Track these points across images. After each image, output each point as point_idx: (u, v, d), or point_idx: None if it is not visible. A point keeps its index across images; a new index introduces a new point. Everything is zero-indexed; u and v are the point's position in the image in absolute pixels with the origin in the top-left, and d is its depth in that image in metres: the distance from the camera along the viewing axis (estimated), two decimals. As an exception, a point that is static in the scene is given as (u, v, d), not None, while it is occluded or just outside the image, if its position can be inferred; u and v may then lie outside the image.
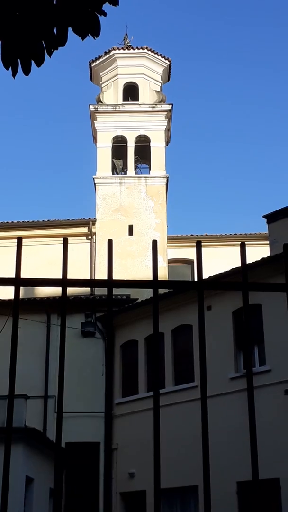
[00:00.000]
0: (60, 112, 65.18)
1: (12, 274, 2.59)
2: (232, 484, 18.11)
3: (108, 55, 31.78)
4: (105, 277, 2.58)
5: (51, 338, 22.93)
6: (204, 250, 25.21)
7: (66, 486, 21.70)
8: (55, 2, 3.84)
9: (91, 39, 4.06)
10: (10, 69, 3.96)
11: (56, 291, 22.67)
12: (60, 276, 2.53)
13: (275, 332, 18.52)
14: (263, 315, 18.70)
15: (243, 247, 2.51)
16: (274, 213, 20.65)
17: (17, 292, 2.50)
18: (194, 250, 26.39)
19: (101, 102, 31.00)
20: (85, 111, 33.53)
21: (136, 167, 30.76)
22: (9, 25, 3.80)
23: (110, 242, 2.52)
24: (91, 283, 2.68)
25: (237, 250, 25.96)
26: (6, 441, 2.46)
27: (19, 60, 3.93)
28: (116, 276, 19.20)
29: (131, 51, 31.77)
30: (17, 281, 2.49)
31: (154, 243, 2.56)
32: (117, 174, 30.70)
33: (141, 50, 31.69)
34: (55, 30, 3.91)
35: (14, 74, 3.98)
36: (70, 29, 3.94)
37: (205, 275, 17.17)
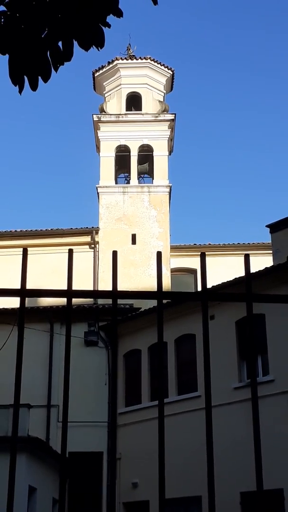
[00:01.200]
0: (63, 122, 65.39)
1: (15, 283, 2.61)
2: (236, 495, 18.03)
3: (111, 65, 31.91)
4: (109, 287, 2.60)
5: (54, 347, 22.91)
6: (207, 259, 25.07)
7: (69, 496, 21.62)
8: (59, 16, 3.87)
9: (95, 50, 4.09)
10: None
11: (59, 300, 22.66)
12: (63, 285, 2.55)
13: (278, 342, 18.48)
14: (267, 325, 18.67)
15: (247, 259, 2.53)
16: (277, 222, 20.65)
17: (22, 304, 2.51)
18: (197, 259, 26.42)
19: (104, 112, 31.11)
20: (89, 121, 33.72)
21: (139, 177, 30.83)
22: (15, 39, 3.83)
23: (115, 254, 2.53)
24: (96, 294, 2.69)
25: (240, 259, 25.97)
26: (11, 451, 2.47)
27: (25, 77, 3.96)
28: (119, 285, 19.18)
29: (134, 61, 31.90)
30: (22, 292, 2.51)
31: (159, 254, 2.57)
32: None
33: (144, 60, 31.82)
34: (60, 44, 3.93)
35: (20, 91, 4.01)
36: (75, 43, 3.96)
37: (209, 285, 17.15)
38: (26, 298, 2.51)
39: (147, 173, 31.28)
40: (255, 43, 61.89)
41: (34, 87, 3.99)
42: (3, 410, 17.63)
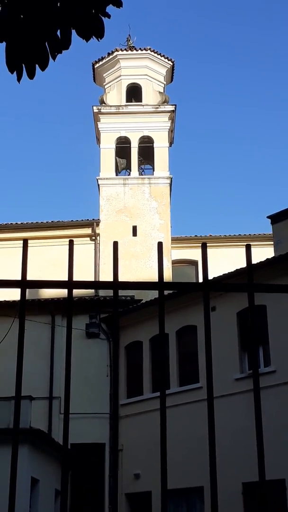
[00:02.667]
0: (63, 113, 65.26)
1: (17, 275, 2.60)
2: (238, 485, 18.09)
3: (111, 56, 31.80)
4: (110, 278, 2.59)
5: (55, 339, 22.95)
6: (208, 251, 25.06)
7: (71, 487, 21.70)
8: (58, 5, 3.85)
9: (94, 40, 4.06)
10: (14, 73, 3.97)
11: (60, 292, 22.69)
12: (64, 277, 2.53)
13: (280, 332, 18.50)
14: (268, 315, 18.68)
15: (248, 249, 2.51)
16: (278, 213, 20.64)
17: (23, 295, 2.50)
18: (198, 250, 26.41)
19: (105, 103, 31.03)
20: (89, 112, 33.62)
21: (140, 168, 30.78)
22: (13, 28, 3.81)
23: (115, 244, 2.52)
24: (97, 285, 2.68)
25: (241, 250, 25.94)
26: (13, 443, 2.47)
27: (23, 65, 3.94)
28: (120, 277, 19.20)
29: (134, 52, 31.79)
30: (23, 284, 2.50)
31: (160, 245, 2.56)
32: (119, 173, 30.69)
33: (144, 51, 31.72)
34: (58, 33, 3.91)
35: (19, 79, 3.99)
36: (73, 31, 3.94)
37: (210, 276, 17.13)
38: (27, 291, 2.50)
39: (147, 164, 31.17)
40: (256, 34, 61.70)
41: (31, 75, 3.97)
42: (5, 402, 17.67)
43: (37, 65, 3.96)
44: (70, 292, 2.54)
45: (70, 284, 2.51)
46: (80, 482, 21.91)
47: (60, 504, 2.55)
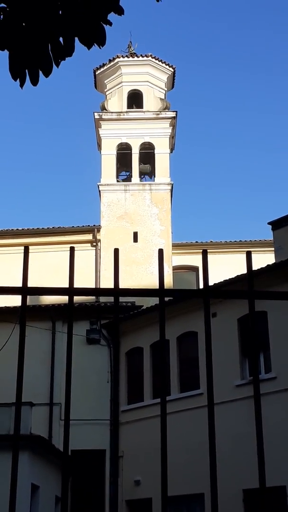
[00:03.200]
0: (65, 120, 65.38)
1: (17, 281, 2.61)
2: (239, 492, 18.04)
3: (112, 63, 31.89)
4: (111, 284, 2.59)
5: (56, 345, 22.93)
6: (209, 257, 25.03)
7: (72, 494, 21.65)
8: (60, 13, 3.87)
9: (96, 48, 4.08)
10: (18, 79, 3.98)
11: (61, 298, 22.68)
12: (65, 284, 2.54)
13: (280, 339, 18.48)
14: (269, 322, 18.66)
15: (249, 256, 2.52)
16: (279, 219, 20.64)
17: (24, 301, 2.51)
18: (199, 257, 26.39)
19: (106, 110, 31.10)
20: (90, 119, 33.66)
21: (141, 175, 30.82)
22: (17, 36, 3.83)
23: (116, 251, 2.53)
24: (98, 291, 2.69)
25: (242, 256, 25.94)
26: (13, 449, 2.47)
27: (26, 71, 3.96)
28: (121, 283, 19.19)
29: (135, 58, 31.87)
30: (24, 290, 2.50)
31: (160, 252, 2.57)
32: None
33: (145, 58, 31.80)
34: (61, 40, 3.93)
35: (22, 85, 4.00)
36: (76, 39, 3.96)
37: (210, 282, 17.16)
38: (28, 297, 2.51)
39: (147, 174, 31.24)
40: (257, 40, 61.85)
41: (34, 81, 3.98)
42: (6, 408, 17.65)
43: (40, 72, 3.98)
44: (70, 299, 2.55)
45: (70, 291, 2.51)
46: (80, 489, 21.86)
47: (61, 511, 2.55)
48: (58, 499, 19.87)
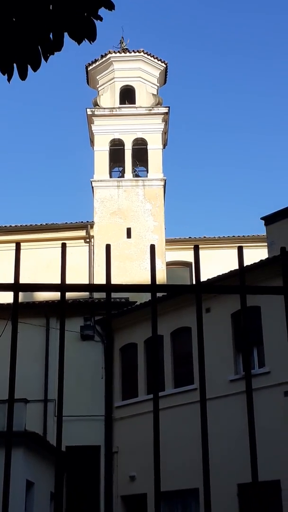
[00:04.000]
0: (57, 116, 65.27)
1: (10, 278, 2.61)
2: (233, 487, 18.10)
3: (104, 59, 31.82)
4: (104, 280, 2.59)
5: (50, 341, 22.92)
6: (202, 253, 25.18)
7: (66, 490, 21.67)
8: (51, 7, 3.85)
9: (87, 43, 4.07)
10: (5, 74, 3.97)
11: (55, 295, 22.63)
12: (59, 280, 2.54)
13: (274, 334, 18.51)
14: (262, 317, 18.71)
15: (240, 251, 2.52)
16: (272, 215, 20.67)
17: (16, 298, 2.51)
18: (192, 252, 26.34)
19: (98, 106, 31.04)
20: (82, 115, 33.60)
21: (134, 170, 30.80)
22: (5, 30, 3.81)
23: (108, 247, 2.53)
24: (90, 287, 2.69)
25: (235, 252, 25.90)
26: (6, 446, 2.47)
27: (15, 65, 3.94)
28: (114, 279, 19.17)
29: (127, 54, 31.81)
30: (16, 287, 2.50)
31: (152, 247, 2.57)
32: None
33: (137, 54, 31.75)
34: (51, 35, 3.92)
35: (9, 79, 3.99)
36: (66, 34, 3.94)
37: (203, 278, 17.18)
38: (22, 294, 2.51)
39: (142, 166, 31.20)
40: (250, 36, 61.83)
41: (23, 76, 3.96)
42: (0, 405, 17.63)
43: (29, 66, 3.96)
44: (63, 295, 2.55)
45: (62, 287, 2.51)
46: (75, 485, 21.88)
47: (54, 507, 2.55)
48: (53, 495, 19.88)
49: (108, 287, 2.49)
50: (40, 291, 2.61)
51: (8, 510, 2.50)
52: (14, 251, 2.57)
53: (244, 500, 18.07)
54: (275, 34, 61.44)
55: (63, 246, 2.54)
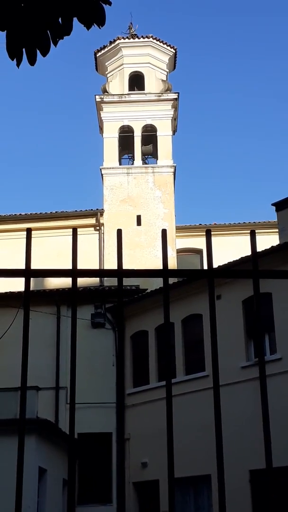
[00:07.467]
0: (66, 103, 65.12)
1: (21, 266, 2.60)
2: (245, 473, 18.14)
3: (113, 45, 31.66)
4: (114, 268, 2.57)
5: (61, 329, 22.99)
6: (213, 239, 24.94)
7: (79, 477, 21.80)
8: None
9: (96, 29, 4.03)
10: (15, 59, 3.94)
11: (65, 282, 22.70)
12: (69, 267, 2.52)
13: (285, 320, 18.48)
14: (273, 303, 18.66)
15: (253, 235, 2.49)
16: (283, 201, 20.57)
17: (27, 283, 2.49)
18: (203, 239, 26.34)
19: (107, 92, 30.91)
20: (91, 102, 33.46)
21: (143, 157, 30.69)
22: (14, 15, 3.78)
23: (119, 232, 2.50)
24: (101, 273, 2.66)
25: (246, 238, 25.90)
26: (19, 433, 2.46)
27: (24, 50, 3.91)
28: (124, 266, 19.12)
29: (136, 40, 31.63)
30: (27, 272, 2.49)
31: (164, 232, 2.54)
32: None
33: (146, 39, 31.56)
34: (60, 20, 3.88)
35: (18, 64, 3.96)
36: (75, 19, 3.91)
37: (215, 264, 17.08)
38: (32, 281, 2.49)
39: (151, 155, 31.10)
40: (261, 22, 61.31)
41: (32, 61, 3.94)
42: (12, 393, 17.73)
43: (38, 51, 3.93)
44: (74, 281, 2.53)
45: (74, 272, 2.49)
46: (87, 472, 22.00)
47: (68, 494, 2.55)
48: (66, 482, 20.00)
49: (120, 272, 2.47)
50: (51, 276, 2.59)
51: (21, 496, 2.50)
52: (23, 240, 2.55)
53: (256, 486, 18.11)
54: (284, 19, 60.93)
55: (74, 231, 2.52)
